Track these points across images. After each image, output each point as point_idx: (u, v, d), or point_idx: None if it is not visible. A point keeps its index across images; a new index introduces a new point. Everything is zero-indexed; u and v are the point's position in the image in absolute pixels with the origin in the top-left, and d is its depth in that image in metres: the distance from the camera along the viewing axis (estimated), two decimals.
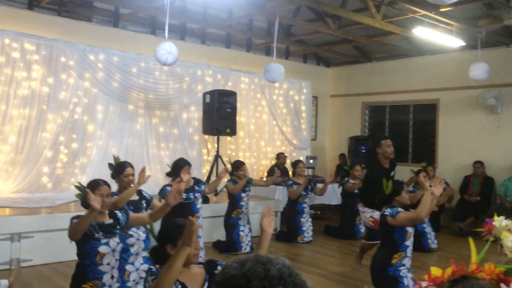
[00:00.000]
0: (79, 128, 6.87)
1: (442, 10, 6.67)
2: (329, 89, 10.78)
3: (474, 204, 7.69)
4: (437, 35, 7.06)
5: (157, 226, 2.67)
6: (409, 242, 4.18)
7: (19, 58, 6.33)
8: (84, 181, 6.69)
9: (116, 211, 3.45)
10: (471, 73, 7.27)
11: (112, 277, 3.28)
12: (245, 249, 6.03)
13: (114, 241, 3.30)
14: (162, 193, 5.10)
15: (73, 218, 3.19)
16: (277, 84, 8.95)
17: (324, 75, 10.72)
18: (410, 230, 4.17)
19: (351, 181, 7.21)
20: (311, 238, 6.82)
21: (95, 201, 3.01)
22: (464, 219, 7.58)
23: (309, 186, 6.97)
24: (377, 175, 4.93)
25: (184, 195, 5.04)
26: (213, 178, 7.22)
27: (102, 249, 3.22)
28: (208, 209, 6.31)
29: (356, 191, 7.13)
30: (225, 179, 6.38)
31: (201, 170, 8.04)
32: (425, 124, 9.18)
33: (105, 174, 4.93)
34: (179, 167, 5.03)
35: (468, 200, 7.78)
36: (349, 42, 9.18)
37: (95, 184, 3.31)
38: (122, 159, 7.13)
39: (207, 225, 6.19)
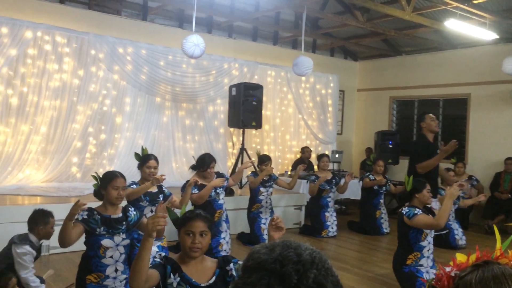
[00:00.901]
0: (107, 120, 7.01)
1: (475, 1, 6.48)
2: (356, 83, 10.64)
3: (505, 201, 7.49)
4: (469, 28, 6.87)
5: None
6: (426, 243, 4.10)
7: (50, 51, 6.49)
8: None
9: (130, 209, 3.42)
10: (504, 67, 7.05)
11: (116, 270, 3.24)
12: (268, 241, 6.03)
13: (119, 237, 3.26)
14: (184, 188, 5.14)
15: (83, 210, 3.18)
16: (303, 78, 8.90)
17: (352, 69, 10.58)
18: (427, 230, 4.09)
19: (372, 177, 7.11)
20: (335, 233, 6.78)
21: (76, 209, 2.99)
22: (494, 216, 7.39)
23: (333, 181, 6.91)
24: (423, 147, 4.94)
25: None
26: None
27: (105, 242, 3.19)
28: (232, 201, 6.34)
29: (376, 187, 7.05)
30: (248, 172, 6.38)
31: (226, 163, 8.09)
32: (456, 119, 8.96)
33: (132, 165, 5.04)
34: (204, 162, 5.09)
35: (498, 197, 7.57)
36: (377, 35, 9.03)
37: (111, 177, 3.28)
38: (149, 151, 7.24)
39: (231, 218, 6.22)
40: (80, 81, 6.74)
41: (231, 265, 2.48)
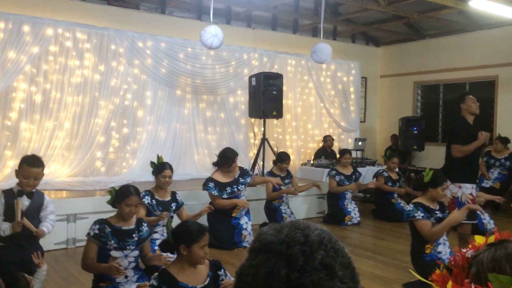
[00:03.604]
0: (129, 114, 7.07)
1: None
2: (379, 69, 10.44)
3: None
4: (495, 7, 6.61)
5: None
6: None
7: (71, 47, 6.57)
8: (135, 165, 6.95)
9: (144, 223, 3.53)
10: None
11: (126, 276, 3.33)
12: None
13: (128, 249, 3.36)
14: (205, 187, 5.30)
15: (94, 224, 3.31)
16: (324, 66, 8.78)
17: (374, 55, 10.39)
18: (434, 220, 4.08)
19: (385, 173, 7.10)
20: (359, 219, 6.76)
21: (116, 272, 3.09)
22: None
23: (353, 176, 6.96)
24: (463, 129, 4.68)
25: (228, 189, 5.19)
26: (259, 161, 7.25)
27: (114, 253, 3.30)
28: (253, 191, 6.30)
29: (390, 183, 7.07)
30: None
31: (248, 153, 8.08)
32: (483, 102, 8.59)
33: (154, 159, 5.06)
34: (227, 158, 5.26)
35: None
36: (400, 19, 8.82)
37: (125, 194, 3.38)
38: (170, 143, 7.42)
39: (253, 208, 6.21)
40: (101, 76, 6.81)
41: (222, 271, 2.80)
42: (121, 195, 3.37)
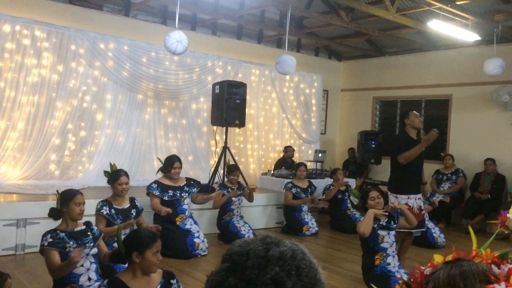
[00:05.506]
0: (87, 117, 6.88)
1: (458, 3, 6.55)
2: (340, 83, 10.67)
3: (484, 202, 7.57)
4: (452, 29, 6.92)
5: None
6: (387, 244, 4.28)
7: (29, 45, 6.34)
8: (91, 170, 6.76)
9: (91, 224, 3.52)
10: (485, 69, 7.12)
11: (89, 279, 3.29)
12: (248, 236, 6.02)
13: (88, 248, 3.33)
14: (148, 189, 5.32)
15: (45, 235, 3.22)
16: (287, 77, 8.88)
17: (336, 69, 10.60)
18: (382, 233, 4.28)
19: (332, 187, 7.26)
20: (316, 229, 6.85)
21: (78, 255, 3.04)
22: (473, 216, 7.48)
23: (309, 190, 7.06)
24: (404, 142, 4.93)
25: (170, 192, 5.21)
26: (220, 169, 7.20)
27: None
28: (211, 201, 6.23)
29: (339, 196, 7.24)
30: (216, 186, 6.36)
31: (208, 161, 8.02)
32: (437, 120, 9.03)
33: (112, 163, 4.92)
34: (166, 163, 5.38)
35: (478, 197, 7.66)
36: (362, 35, 9.06)
37: (72, 193, 3.37)
38: (129, 148, 7.29)
39: (208, 217, 6.18)
40: (59, 77, 6.60)
41: (174, 280, 2.85)
42: (68, 196, 3.35)
